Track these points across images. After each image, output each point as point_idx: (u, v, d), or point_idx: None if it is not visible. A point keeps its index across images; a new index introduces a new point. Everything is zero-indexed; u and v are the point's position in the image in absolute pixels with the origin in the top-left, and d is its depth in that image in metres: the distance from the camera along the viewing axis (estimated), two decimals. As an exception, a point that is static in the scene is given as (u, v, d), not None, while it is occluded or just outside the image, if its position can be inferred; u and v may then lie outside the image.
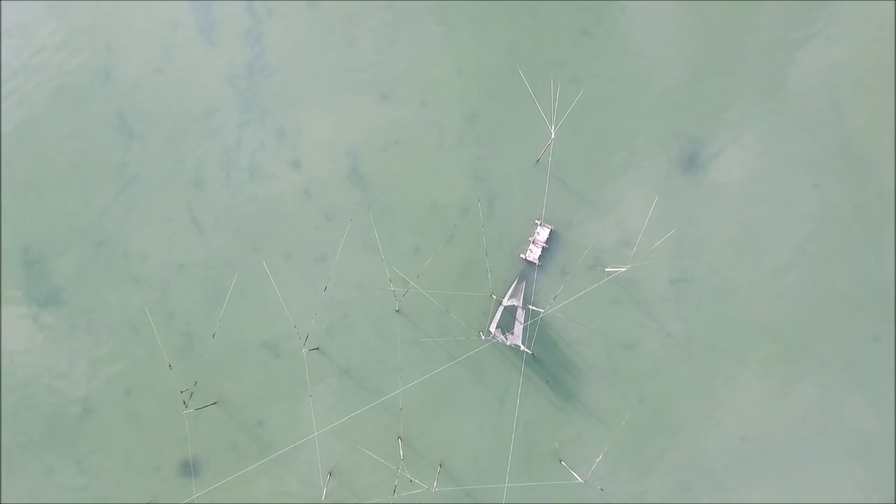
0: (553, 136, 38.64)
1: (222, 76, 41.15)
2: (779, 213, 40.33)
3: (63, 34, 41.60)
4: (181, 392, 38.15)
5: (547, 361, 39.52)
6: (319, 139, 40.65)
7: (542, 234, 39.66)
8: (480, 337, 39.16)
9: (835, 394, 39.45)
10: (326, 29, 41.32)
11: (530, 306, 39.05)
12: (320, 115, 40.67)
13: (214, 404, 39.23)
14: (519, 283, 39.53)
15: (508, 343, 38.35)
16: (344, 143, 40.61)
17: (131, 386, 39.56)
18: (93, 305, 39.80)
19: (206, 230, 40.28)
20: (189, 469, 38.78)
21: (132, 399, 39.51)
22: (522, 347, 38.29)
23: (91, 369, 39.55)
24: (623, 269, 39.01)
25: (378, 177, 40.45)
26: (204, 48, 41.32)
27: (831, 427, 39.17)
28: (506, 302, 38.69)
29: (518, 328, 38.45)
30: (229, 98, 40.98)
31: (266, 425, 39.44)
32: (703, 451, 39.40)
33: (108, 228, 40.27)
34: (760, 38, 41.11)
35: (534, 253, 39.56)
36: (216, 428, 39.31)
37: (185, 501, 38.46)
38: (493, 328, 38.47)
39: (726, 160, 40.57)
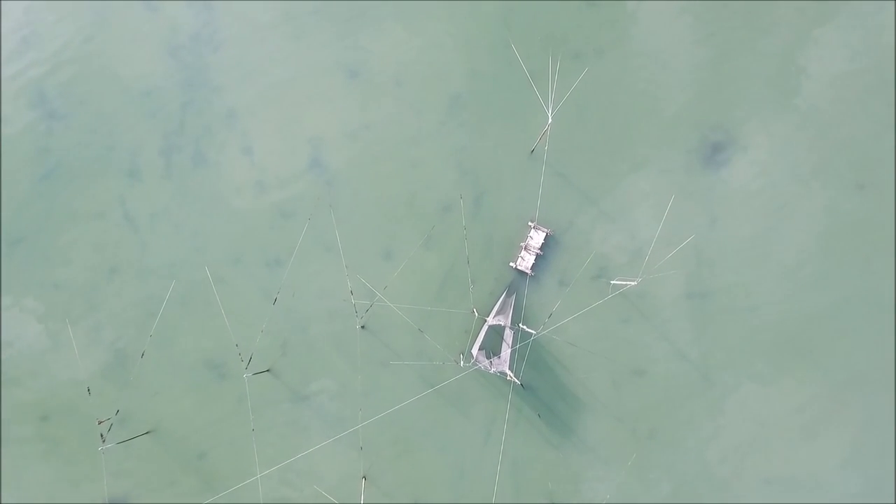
0: (550, 121, 36.71)
1: (163, 47, 39.82)
2: (816, 218, 38.69)
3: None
4: (98, 423, 35.93)
5: (540, 390, 38.28)
6: (276, 123, 39.57)
7: (537, 238, 38.11)
8: (459, 362, 37.22)
9: (876, 431, 37.90)
10: (287, -7, 40.41)
11: (520, 325, 37.38)
12: (277, 95, 39.54)
13: (147, 434, 37.48)
14: (507, 297, 38.01)
15: (493, 370, 36.50)
16: (304, 128, 39.57)
17: (48, 411, 37.92)
18: (5, 315, 38.19)
19: (141, 228, 38.89)
20: (116, 510, 37.70)
21: (49, 426, 37.88)
22: (510, 376, 36.24)
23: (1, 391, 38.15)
24: (632, 283, 37.26)
25: (344, 168, 39.30)
26: (142, 13, 39.81)
27: (871, 470, 37.97)
28: (491, 320, 37.04)
29: (505, 352, 36.82)
30: (171, 73, 39.64)
31: (209, 458, 37.92)
32: (723, 496, 38.05)
33: (26, 225, 38.85)
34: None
35: (526, 261, 38.11)
36: (150, 462, 37.63)
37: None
38: (475, 351, 36.78)
39: (755, 154, 39.02)
